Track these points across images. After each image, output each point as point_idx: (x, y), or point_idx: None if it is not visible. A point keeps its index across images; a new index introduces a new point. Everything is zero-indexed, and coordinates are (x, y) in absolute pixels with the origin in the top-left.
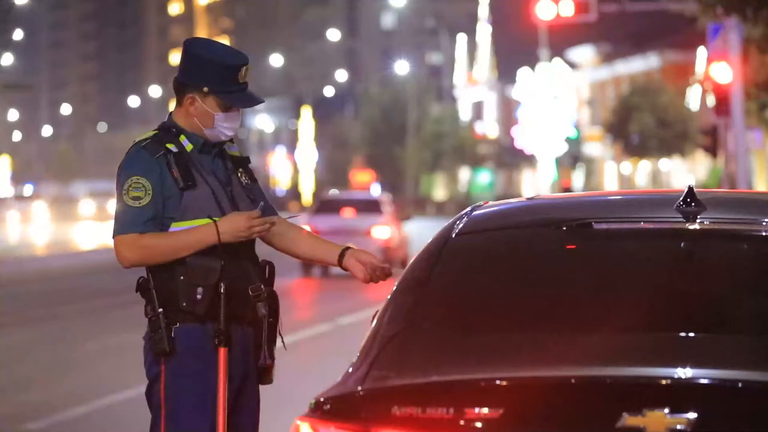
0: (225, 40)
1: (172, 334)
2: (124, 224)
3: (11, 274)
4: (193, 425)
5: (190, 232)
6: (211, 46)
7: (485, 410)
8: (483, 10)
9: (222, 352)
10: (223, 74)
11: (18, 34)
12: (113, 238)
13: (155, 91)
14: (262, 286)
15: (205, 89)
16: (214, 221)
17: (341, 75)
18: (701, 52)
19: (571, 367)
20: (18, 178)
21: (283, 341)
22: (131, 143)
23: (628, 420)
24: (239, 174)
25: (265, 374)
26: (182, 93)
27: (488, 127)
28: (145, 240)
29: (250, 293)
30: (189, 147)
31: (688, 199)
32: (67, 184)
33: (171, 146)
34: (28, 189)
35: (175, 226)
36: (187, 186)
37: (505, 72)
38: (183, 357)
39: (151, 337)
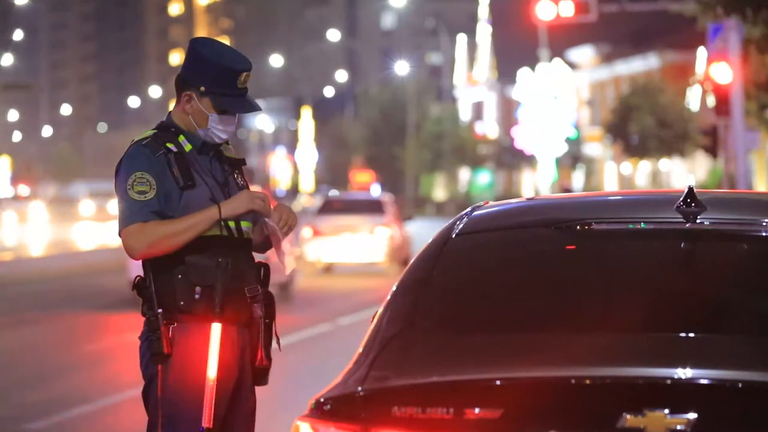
0: (225, 41)
1: (170, 334)
2: (128, 217)
3: (10, 275)
4: (189, 426)
5: (193, 214)
6: (215, 47)
7: (485, 410)
8: (483, 10)
9: (215, 327)
10: (222, 77)
11: (18, 35)
12: (120, 233)
13: (155, 91)
14: (259, 288)
15: (202, 89)
16: (217, 203)
17: (341, 75)
18: (701, 52)
19: (571, 368)
20: (17, 179)
21: (278, 342)
22: (130, 143)
23: (629, 420)
24: (235, 175)
25: (261, 375)
26: (181, 90)
27: (488, 128)
28: (150, 227)
29: (247, 294)
30: (188, 147)
31: (688, 200)
32: (67, 185)
33: (170, 146)
34: (24, 190)
35: None
36: (186, 185)
37: (505, 72)
38: (180, 357)
39: (149, 336)
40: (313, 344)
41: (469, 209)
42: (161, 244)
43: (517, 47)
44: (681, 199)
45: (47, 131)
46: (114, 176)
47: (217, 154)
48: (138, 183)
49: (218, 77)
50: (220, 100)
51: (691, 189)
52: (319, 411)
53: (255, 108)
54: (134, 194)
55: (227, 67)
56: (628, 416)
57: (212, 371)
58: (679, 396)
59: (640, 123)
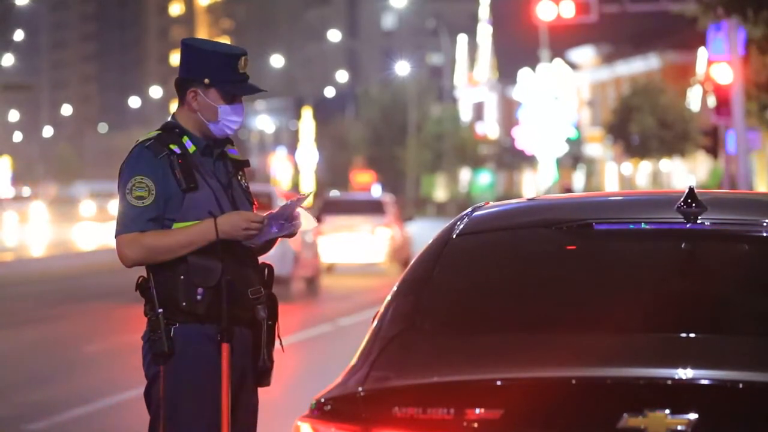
0: (226, 41)
1: (171, 335)
2: (126, 224)
3: (11, 275)
4: (191, 426)
5: (190, 229)
6: (208, 41)
7: (486, 411)
8: (483, 10)
9: (225, 348)
10: (224, 64)
11: (19, 35)
12: (115, 238)
13: (156, 91)
14: (262, 289)
15: (207, 81)
16: (214, 217)
17: (342, 75)
18: (702, 52)
19: (571, 368)
20: (18, 179)
21: (281, 343)
22: (132, 144)
23: (629, 421)
24: (239, 177)
25: (263, 377)
26: (184, 89)
27: (489, 128)
28: (147, 238)
29: (250, 296)
30: (192, 149)
31: (689, 200)
32: (67, 185)
33: (174, 147)
34: (26, 190)
35: (176, 227)
36: (189, 188)
37: (506, 73)
38: (182, 357)
39: (150, 337)
40: (314, 344)
41: (469, 210)
42: (156, 258)
43: (518, 48)
44: (682, 199)
45: (48, 131)
46: (117, 177)
47: (221, 155)
48: (137, 188)
49: (219, 65)
50: (226, 87)
51: (691, 189)
52: (320, 411)
53: (260, 89)
54: (132, 200)
55: (226, 53)
56: (629, 417)
57: (225, 388)
58: (679, 396)
59: (640, 123)
